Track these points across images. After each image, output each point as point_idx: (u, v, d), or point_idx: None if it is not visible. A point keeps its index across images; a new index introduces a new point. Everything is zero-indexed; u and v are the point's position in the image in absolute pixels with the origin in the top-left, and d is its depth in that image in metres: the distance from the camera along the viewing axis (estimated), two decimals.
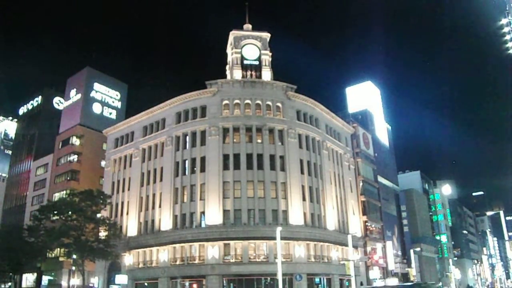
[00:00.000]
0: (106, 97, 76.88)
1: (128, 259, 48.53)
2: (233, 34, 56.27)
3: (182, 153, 49.69)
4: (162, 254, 46.38)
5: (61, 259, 57.57)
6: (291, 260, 44.15)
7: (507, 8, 59.83)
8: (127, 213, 53.21)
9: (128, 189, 54.32)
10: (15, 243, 49.75)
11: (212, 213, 44.94)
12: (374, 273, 59.27)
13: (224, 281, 43.25)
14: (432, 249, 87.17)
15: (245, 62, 54.43)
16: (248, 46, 55.35)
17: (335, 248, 49.61)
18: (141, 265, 48.90)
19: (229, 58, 56.65)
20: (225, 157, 47.19)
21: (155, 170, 51.85)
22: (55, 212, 47.06)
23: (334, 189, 54.46)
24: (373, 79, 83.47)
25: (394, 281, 59.30)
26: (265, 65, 54.57)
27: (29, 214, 65.54)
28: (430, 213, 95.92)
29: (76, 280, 53.22)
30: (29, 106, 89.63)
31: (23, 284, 63.61)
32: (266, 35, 56.34)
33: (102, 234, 48.12)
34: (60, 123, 75.66)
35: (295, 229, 45.24)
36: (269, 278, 43.00)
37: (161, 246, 46.63)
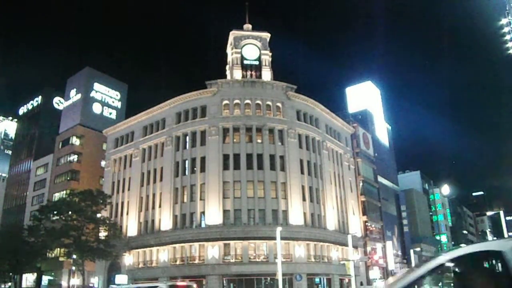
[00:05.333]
0: (106, 97, 76.87)
1: (128, 259, 48.50)
2: (233, 34, 56.28)
3: (182, 153, 49.69)
4: (162, 254, 46.39)
5: (61, 259, 57.53)
6: (291, 260, 44.15)
7: (507, 8, 59.82)
8: (127, 213, 53.22)
9: (128, 189, 54.32)
10: (15, 243, 49.71)
11: (212, 213, 44.95)
12: (374, 273, 59.30)
13: (224, 281, 43.27)
14: (432, 249, 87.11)
15: (245, 62, 54.45)
16: (248, 46, 55.37)
17: (335, 248, 49.61)
18: (141, 265, 48.92)
19: (229, 58, 56.65)
20: (225, 157, 47.20)
21: (155, 170, 51.86)
22: (55, 212, 47.02)
23: (334, 189, 54.45)
24: (373, 79, 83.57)
25: None
26: (265, 65, 54.58)
27: (29, 214, 65.50)
28: (430, 213, 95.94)
29: (76, 280, 53.20)
30: (29, 106, 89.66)
31: (23, 284, 63.54)
32: (266, 35, 56.34)
33: (102, 234, 48.09)
34: (60, 123, 75.66)
35: (295, 229, 45.24)
36: (269, 278, 43.00)
37: (161, 246, 46.65)
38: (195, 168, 48.17)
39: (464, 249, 4.80)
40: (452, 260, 4.52)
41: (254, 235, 44.07)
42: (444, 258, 4.58)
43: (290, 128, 49.60)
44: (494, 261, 4.19)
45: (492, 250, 4.17)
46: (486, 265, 4.44)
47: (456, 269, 4.69)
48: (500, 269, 4.04)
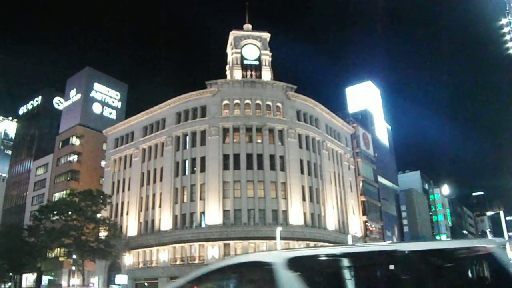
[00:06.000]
0: (106, 97, 76.86)
1: (128, 259, 48.53)
2: (233, 34, 56.29)
3: (182, 153, 49.70)
4: (162, 254, 46.40)
5: (61, 259, 57.52)
6: None
7: (507, 8, 59.90)
8: (127, 213, 53.22)
9: (128, 189, 54.33)
10: (15, 243, 49.73)
11: (212, 213, 44.96)
12: None
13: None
14: None
15: (245, 62, 54.48)
16: (248, 46, 55.40)
17: None
18: (141, 265, 48.92)
19: (229, 58, 56.67)
20: (225, 157, 47.22)
21: (155, 170, 51.86)
22: (55, 212, 47.04)
23: (334, 189, 54.46)
24: (373, 79, 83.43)
25: None
26: (265, 65, 54.60)
27: (29, 214, 65.50)
28: (430, 213, 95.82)
29: (76, 280, 53.18)
30: (29, 106, 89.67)
31: (23, 284, 63.54)
32: (266, 35, 56.36)
33: (102, 234, 48.11)
34: (60, 123, 75.68)
35: (295, 229, 45.25)
36: None
37: (161, 246, 46.65)
38: (195, 168, 48.19)
39: (242, 257, 4.86)
40: (229, 267, 4.49)
41: (254, 235, 44.09)
42: (222, 264, 4.59)
43: (290, 128, 49.61)
44: (266, 272, 4.05)
45: (265, 261, 4.09)
46: (258, 275, 4.36)
47: (234, 276, 4.66)
48: (270, 280, 3.96)
